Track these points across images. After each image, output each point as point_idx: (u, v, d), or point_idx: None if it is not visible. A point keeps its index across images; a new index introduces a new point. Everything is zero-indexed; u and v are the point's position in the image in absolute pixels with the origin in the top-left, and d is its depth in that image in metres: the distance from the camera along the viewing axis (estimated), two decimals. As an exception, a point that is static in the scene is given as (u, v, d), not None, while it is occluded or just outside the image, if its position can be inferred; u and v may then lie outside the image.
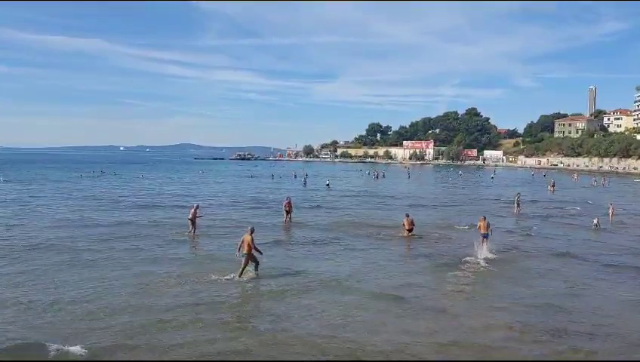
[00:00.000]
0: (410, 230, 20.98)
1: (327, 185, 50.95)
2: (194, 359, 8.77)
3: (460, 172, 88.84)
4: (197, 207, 21.16)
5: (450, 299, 12.51)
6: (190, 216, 20.48)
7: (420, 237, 20.99)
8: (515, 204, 31.23)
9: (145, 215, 26.90)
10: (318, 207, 32.74)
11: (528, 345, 9.54)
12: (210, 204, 32.42)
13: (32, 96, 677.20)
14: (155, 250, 17.72)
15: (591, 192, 49.94)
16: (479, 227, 18.11)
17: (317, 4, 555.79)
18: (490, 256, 16.92)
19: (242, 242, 13.77)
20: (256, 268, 13.99)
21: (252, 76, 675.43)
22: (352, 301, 12.05)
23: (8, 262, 15.30)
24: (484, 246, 17.30)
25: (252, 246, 13.67)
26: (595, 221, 24.94)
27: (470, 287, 13.66)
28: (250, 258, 13.73)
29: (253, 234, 13.88)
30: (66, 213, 27.02)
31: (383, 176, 72.29)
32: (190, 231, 20.41)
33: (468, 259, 16.52)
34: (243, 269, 13.65)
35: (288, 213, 24.78)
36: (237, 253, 13.92)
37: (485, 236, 17.72)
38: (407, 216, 21.67)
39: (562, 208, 34.26)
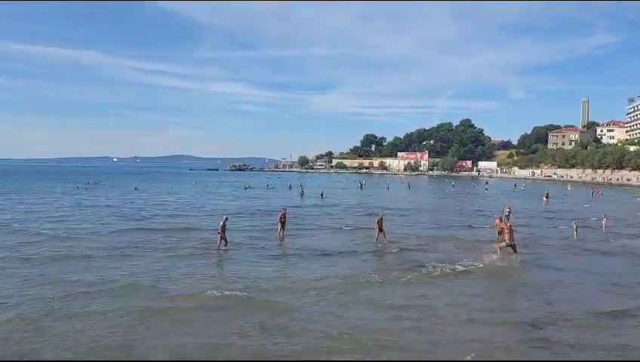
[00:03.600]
0: (380, 229, 22.12)
1: (321, 195, 52.02)
2: (198, 359, 8.88)
3: (453, 183, 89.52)
4: (226, 219, 20.37)
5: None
6: (219, 230, 19.66)
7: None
8: (505, 217, 31.09)
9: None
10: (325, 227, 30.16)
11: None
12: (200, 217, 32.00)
13: (25, 107, 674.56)
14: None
15: (585, 203, 50.07)
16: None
17: (314, 16, 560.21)
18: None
19: (504, 233, 17.81)
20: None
21: (248, 88, 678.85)
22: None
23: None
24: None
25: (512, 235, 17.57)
26: (574, 226, 24.98)
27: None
28: (514, 246, 17.59)
29: (512, 227, 18.37)
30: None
31: (387, 188, 72.95)
32: (220, 246, 19.55)
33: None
34: (515, 251, 17.66)
35: (283, 225, 24.29)
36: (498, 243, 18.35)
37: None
38: (381, 216, 23.06)
39: (556, 218, 34.23)
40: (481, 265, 17.21)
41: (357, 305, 12.27)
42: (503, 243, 18.09)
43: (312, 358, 9.05)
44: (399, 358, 9.16)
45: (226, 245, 19.66)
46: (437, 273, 15.93)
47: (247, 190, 64.41)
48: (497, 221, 20.07)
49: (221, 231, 19.57)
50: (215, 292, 12.96)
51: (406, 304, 12.44)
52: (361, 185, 76.56)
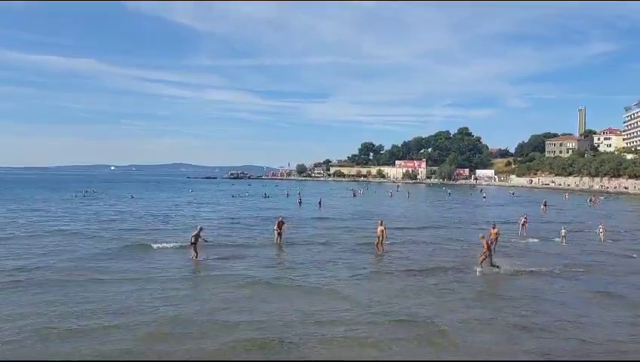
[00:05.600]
0: (381, 235, 22.04)
1: (319, 203, 51.64)
2: (197, 359, 9.44)
3: (449, 191, 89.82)
4: (200, 229, 19.74)
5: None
6: (192, 240, 18.86)
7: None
8: (520, 225, 31.08)
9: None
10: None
11: None
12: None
13: (22, 115, 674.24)
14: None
15: (582, 211, 50.04)
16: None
17: (311, 24, 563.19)
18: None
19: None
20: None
21: (245, 96, 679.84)
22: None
23: None
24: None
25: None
26: (563, 232, 25.19)
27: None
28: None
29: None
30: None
31: (391, 196, 73.49)
32: (193, 257, 18.85)
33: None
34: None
35: (280, 233, 24.21)
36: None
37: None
38: (381, 223, 22.46)
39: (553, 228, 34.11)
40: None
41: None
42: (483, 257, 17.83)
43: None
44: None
45: (196, 256, 18.91)
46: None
47: (245, 199, 64.30)
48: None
49: (194, 241, 18.86)
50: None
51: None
52: (354, 193, 76.07)
